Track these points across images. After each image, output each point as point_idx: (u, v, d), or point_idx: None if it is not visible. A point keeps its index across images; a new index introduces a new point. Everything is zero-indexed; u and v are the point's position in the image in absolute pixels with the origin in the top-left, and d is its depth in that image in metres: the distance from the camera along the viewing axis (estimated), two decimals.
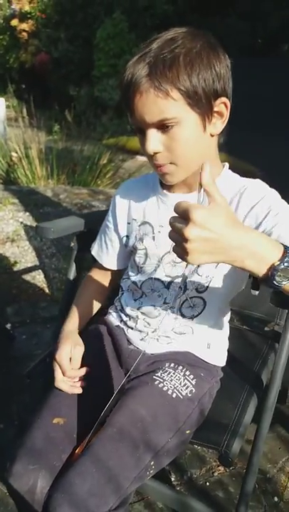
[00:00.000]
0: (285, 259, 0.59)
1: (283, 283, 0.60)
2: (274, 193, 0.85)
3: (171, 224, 0.59)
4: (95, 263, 1.11)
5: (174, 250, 0.60)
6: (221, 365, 1.03)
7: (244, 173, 0.92)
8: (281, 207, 0.81)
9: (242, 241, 0.58)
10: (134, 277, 0.99)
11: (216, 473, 1.37)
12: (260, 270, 0.60)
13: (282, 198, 0.85)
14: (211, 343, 1.00)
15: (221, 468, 1.39)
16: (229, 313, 1.05)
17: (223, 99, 0.79)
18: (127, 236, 1.01)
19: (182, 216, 0.57)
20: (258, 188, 0.86)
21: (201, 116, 0.77)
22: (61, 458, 0.80)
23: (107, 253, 1.06)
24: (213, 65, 0.76)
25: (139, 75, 0.74)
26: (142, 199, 0.97)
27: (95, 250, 1.09)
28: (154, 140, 0.78)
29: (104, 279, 1.11)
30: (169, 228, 0.88)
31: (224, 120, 0.81)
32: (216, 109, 0.79)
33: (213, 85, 0.76)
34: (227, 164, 0.92)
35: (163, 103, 0.74)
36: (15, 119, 5.27)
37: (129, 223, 1.00)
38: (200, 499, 1.09)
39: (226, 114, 0.81)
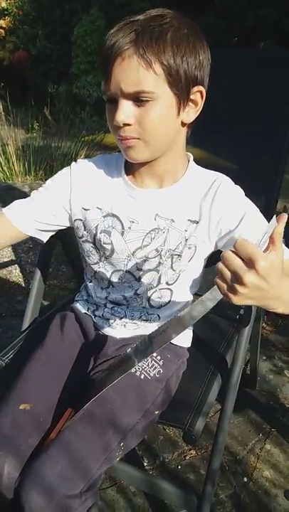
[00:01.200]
0: None
1: None
2: (242, 192, 0.87)
3: (226, 258, 0.57)
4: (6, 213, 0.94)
5: (218, 283, 0.59)
6: (187, 346, 1.06)
7: (213, 167, 0.92)
8: (250, 208, 0.85)
9: (283, 293, 0.60)
10: (99, 267, 0.96)
11: (187, 457, 1.40)
12: (287, 311, 0.65)
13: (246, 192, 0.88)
14: None
15: (193, 452, 1.42)
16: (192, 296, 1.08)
17: (201, 87, 0.78)
18: (82, 220, 0.94)
19: (245, 258, 0.56)
20: (231, 187, 0.87)
21: (177, 99, 0.76)
22: (28, 442, 0.80)
23: (30, 212, 0.94)
24: (198, 52, 0.75)
25: (123, 40, 0.71)
26: (106, 187, 0.92)
27: (16, 205, 0.95)
28: (127, 111, 0.74)
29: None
30: (141, 224, 0.89)
31: (197, 110, 0.80)
32: (192, 96, 0.78)
33: (195, 71, 0.75)
34: (191, 155, 0.91)
35: (143, 73, 0.71)
36: None
37: (87, 209, 0.93)
38: (172, 482, 1.12)
39: (200, 104, 0.80)
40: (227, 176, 0.90)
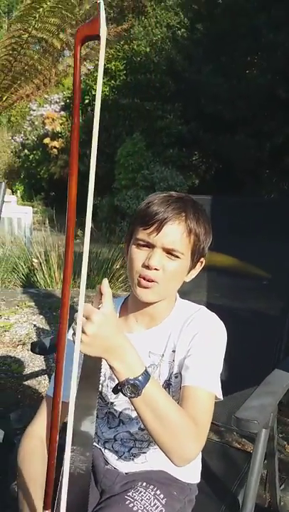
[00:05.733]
0: (138, 378, 0.73)
1: (128, 395, 0.73)
2: (210, 329, 0.96)
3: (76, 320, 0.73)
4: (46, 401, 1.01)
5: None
6: (195, 482, 1.05)
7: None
8: (207, 343, 0.94)
9: (118, 345, 0.73)
10: (108, 408, 1.03)
11: None
12: (119, 375, 0.74)
13: None
14: None
15: None
16: None
17: (203, 259, 1.00)
18: None
19: (86, 316, 0.71)
20: (200, 321, 0.98)
21: (190, 264, 0.96)
22: None
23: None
24: (210, 234, 0.98)
25: (177, 211, 0.91)
26: None
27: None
28: (161, 259, 0.91)
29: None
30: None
31: (195, 274, 1.00)
32: (196, 265, 0.99)
33: (206, 248, 0.98)
34: (178, 295, 1.06)
35: (183, 238, 0.92)
36: (43, 223, 5.71)
37: None
38: None
39: (198, 270, 1.00)
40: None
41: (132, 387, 0.73)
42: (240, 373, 1.32)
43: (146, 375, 0.74)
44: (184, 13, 9.47)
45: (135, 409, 0.77)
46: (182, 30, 9.34)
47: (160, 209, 0.91)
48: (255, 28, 7.49)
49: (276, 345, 1.36)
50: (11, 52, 2.86)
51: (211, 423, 1.17)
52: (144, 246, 0.93)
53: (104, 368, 1.01)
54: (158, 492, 0.95)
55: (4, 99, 3.20)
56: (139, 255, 0.93)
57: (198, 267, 1.00)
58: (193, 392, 0.86)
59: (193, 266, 0.98)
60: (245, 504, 1.00)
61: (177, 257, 0.92)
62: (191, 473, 1.04)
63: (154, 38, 9.69)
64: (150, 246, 0.92)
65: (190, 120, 8.59)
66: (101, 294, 0.76)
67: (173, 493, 0.97)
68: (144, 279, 0.92)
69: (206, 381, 0.88)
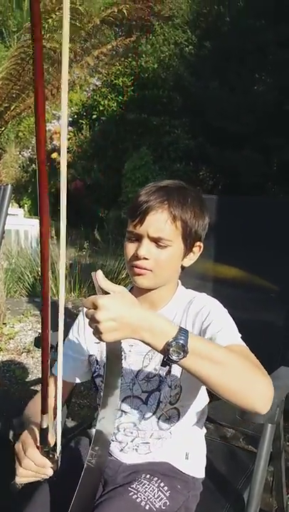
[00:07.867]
0: (177, 337, 0.70)
1: (174, 357, 0.70)
2: (213, 302, 0.98)
3: (86, 314, 0.72)
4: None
5: (93, 333, 0.71)
6: (200, 477, 1.03)
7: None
8: (216, 311, 0.95)
9: (139, 318, 0.70)
10: None
11: None
12: (157, 345, 0.71)
13: None
14: (190, 453, 1.01)
15: None
16: (203, 422, 1.08)
17: (200, 243, 1.00)
18: (94, 355, 1.04)
19: (91, 307, 0.70)
20: (201, 300, 0.99)
21: (184, 249, 0.97)
22: None
23: (70, 367, 1.05)
24: (204, 216, 0.99)
25: (160, 199, 0.92)
26: None
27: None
28: (148, 248, 0.92)
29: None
30: (139, 346, 0.95)
31: (194, 259, 1.01)
32: (194, 249, 0.99)
33: (201, 231, 0.98)
34: (180, 282, 1.06)
35: (168, 225, 0.92)
36: (50, 236, 5.73)
37: (98, 343, 1.03)
38: None
39: (197, 255, 1.01)
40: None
41: (176, 349, 0.70)
42: None
43: (184, 331, 0.71)
44: (191, 30, 9.63)
45: (191, 373, 0.73)
46: (190, 47, 9.48)
47: (144, 199, 0.93)
48: (262, 46, 7.60)
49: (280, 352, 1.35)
50: (19, 62, 2.93)
51: (217, 423, 1.15)
52: (134, 239, 0.95)
53: (99, 355, 1.03)
54: (162, 484, 0.94)
55: (12, 108, 3.26)
56: (130, 248, 0.96)
57: (197, 251, 1.01)
58: (231, 348, 0.82)
59: (189, 250, 0.98)
60: (250, 502, 0.97)
61: (165, 245, 0.93)
62: (194, 466, 1.02)
63: (162, 55, 9.84)
64: (138, 237, 0.94)
65: (197, 135, 8.66)
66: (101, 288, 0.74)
67: (177, 487, 0.96)
68: (136, 267, 0.94)
69: (237, 339, 0.87)
